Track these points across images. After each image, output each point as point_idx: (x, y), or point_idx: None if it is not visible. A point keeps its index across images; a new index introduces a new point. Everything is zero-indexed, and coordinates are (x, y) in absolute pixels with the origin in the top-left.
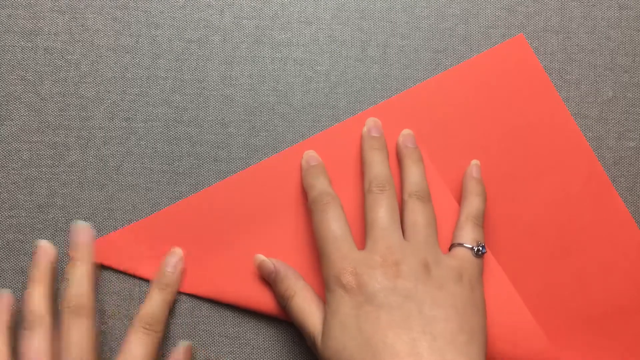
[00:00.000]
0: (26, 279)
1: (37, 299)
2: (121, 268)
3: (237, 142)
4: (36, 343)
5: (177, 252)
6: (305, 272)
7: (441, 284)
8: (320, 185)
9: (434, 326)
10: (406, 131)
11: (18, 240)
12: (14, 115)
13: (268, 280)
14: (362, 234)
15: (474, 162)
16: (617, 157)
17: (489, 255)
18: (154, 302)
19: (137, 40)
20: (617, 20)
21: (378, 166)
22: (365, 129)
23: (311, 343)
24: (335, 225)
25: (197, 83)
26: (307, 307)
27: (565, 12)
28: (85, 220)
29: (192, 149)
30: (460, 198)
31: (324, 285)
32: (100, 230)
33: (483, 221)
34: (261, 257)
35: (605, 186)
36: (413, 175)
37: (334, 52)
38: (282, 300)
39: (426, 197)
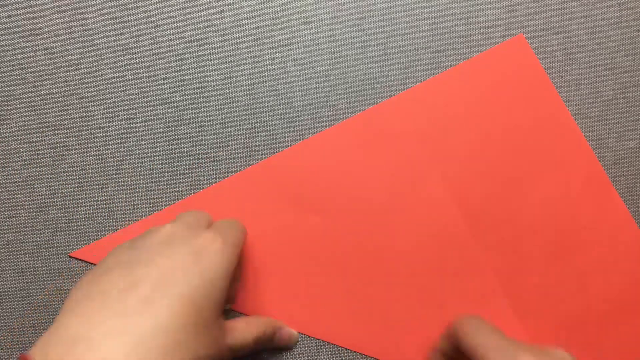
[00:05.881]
0: (26, 278)
1: None
2: None
3: (237, 142)
4: None
5: None
6: (303, 271)
7: None
8: None
9: None
10: None
11: (18, 240)
12: (14, 115)
13: None
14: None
15: None
16: (617, 157)
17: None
18: None
19: (137, 40)
20: (617, 20)
21: None
22: None
23: None
24: None
25: (197, 83)
26: None
27: (565, 12)
28: (85, 220)
29: (192, 149)
30: (458, 193)
31: None
32: (100, 230)
33: None
34: None
35: (605, 186)
36: None
37: (334, 52)
38: None
39: None
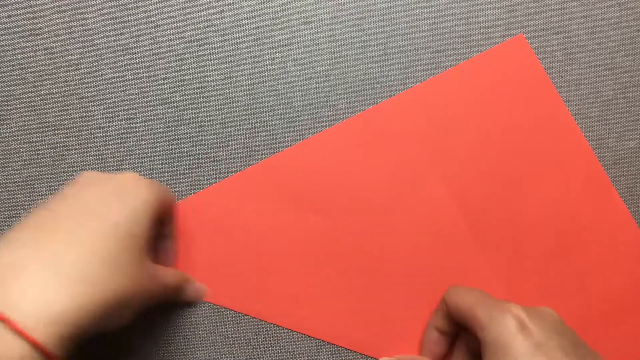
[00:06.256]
0: None
1: None
2: None
3: (237, 142)
4: None
5: None
6: (303, 271)
7: None
8: None
9: None
10: None
11: None
12: (14, 115)
13: None
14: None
15: None
16: (617, 157)
17: None
18: None
19: (137, 40)
20: (617, 20)
21: None
22: None
23: None
24: None
25: (197, 83)
26: None
27: (565, 12)
28: None
29: (192, 149)
30: (458, 193)
31: None
32: None
33: None
34: None
35: (605, 186)
36: None
37: (334, 52)
38: None
39: None
